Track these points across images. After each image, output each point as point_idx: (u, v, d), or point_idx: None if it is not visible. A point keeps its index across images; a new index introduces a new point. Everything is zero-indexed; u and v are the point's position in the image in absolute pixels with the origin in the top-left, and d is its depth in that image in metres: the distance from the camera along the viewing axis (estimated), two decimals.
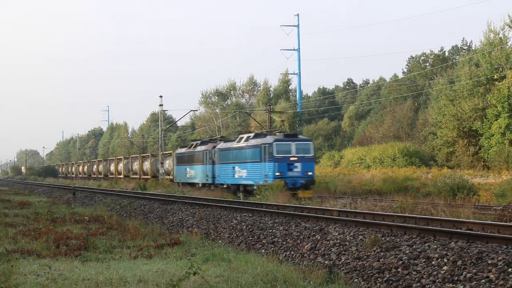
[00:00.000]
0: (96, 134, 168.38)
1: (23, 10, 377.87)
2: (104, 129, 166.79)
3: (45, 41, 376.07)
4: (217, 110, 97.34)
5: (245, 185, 40.69)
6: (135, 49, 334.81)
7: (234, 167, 42.34)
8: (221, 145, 45.91)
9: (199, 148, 50.05)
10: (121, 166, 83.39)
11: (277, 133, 40.56)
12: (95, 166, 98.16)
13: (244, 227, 22.13)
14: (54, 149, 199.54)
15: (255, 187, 37.77)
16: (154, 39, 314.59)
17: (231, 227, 22.73)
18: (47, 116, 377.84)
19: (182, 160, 54.32)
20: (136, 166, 76.96)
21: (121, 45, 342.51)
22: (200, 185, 49.06)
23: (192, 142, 54.72)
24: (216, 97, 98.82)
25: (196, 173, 50.56)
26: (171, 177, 58.96)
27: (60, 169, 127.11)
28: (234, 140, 44.71)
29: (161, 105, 67.48)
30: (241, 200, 33.74)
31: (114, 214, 30.94)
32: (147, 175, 71.24)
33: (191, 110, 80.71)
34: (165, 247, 18.04)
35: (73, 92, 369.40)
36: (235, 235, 21.54)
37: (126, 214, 32.02)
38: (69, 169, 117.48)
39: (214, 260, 15.43)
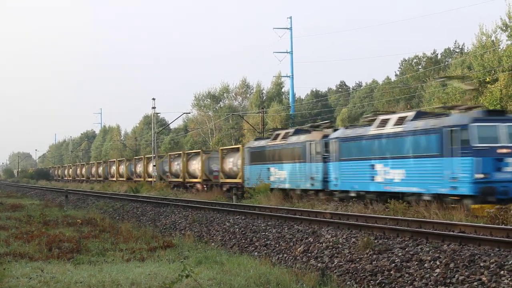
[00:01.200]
0: (89, 137, 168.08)
1: (15, 11, 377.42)
2: (97, 131, 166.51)
3: (37, 44, 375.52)
4: (210, 113, 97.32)
5: (403, 194, 26.87)
6: (127, 51, 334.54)
7: (373, 165, 28.61)
8: (341, 132, 31.85)
9: (295, 139, 35.69)
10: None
11: (472, 110, 26.11)
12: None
13: (237, 229, 22.13)
14: (47, 152, 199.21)
15: (427, 198, 25.31)
16: (146, 41, 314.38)
17: (224, 230, 22.73)
18: (40, 119, 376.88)
19: (261, 157, 38.86)
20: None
21: (114, 47, 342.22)
22: (298, 191, 34.67)
23: (278, 132, 39.05)
24: (209, 100, 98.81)
25: (289, 174, 35.75)
26: (237, 180, 43.48)
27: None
28: (367, 125, 30.50)
29: (154, 107, 67.46)
30: (233, 203, 33.68)
31: (106, 216, 30.91)
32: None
33: (184, 113, 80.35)
34: (158, 250, 18.01)
35: (66, 95, 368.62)
36: (228, 238, 21.54)
37: (118, 217, 31.99)
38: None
39: (206, 263, 15.41)
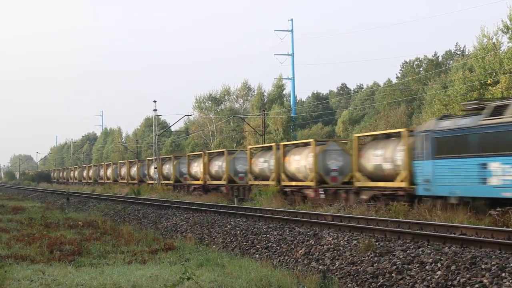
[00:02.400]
0: (90, 139, 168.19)
1: (17, 16, 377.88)
2: (98, 134, 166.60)
3: (38, 46, 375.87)
4: (211, 115, 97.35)
5: None
6: (129, 54, 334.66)
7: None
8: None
9: None
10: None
11: None
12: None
13: (238, 232, 22.13)
14: (48, 154, 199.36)
15: None
16: (147, 44, 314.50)
17: (225, 232, 22.72)
18: (41, 121, 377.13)
19: (463, 146, 23.74)
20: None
21: (115, 50, 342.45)
22: None
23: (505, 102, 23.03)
24: (210, 102, 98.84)
25: None
26: (401, 184, 27.66)
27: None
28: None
29: (155, 110, 67.49)
30: (235, 205, 33.68)
31: (108, 219, 30.92)
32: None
33: (185, 115, 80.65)
34: (159, 252, 18.01)
35: (67, 97, 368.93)
36: (229, 240, 21.53)
37: (120, 219, 32.01)
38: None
39: (208, 265, 15.40)
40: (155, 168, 62.45)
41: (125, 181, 75.83)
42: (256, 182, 40.99)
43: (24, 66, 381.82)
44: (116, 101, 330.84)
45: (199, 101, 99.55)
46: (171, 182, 59.36)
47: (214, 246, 20.88)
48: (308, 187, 34.89)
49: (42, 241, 19.67)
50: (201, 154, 54.01)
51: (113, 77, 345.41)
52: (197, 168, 53.46)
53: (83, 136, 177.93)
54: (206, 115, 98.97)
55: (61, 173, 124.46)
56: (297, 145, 38.62)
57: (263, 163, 41.16)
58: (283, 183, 37.50)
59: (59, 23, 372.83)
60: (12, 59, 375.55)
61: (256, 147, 46.07)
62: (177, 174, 58.76)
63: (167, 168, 62.11)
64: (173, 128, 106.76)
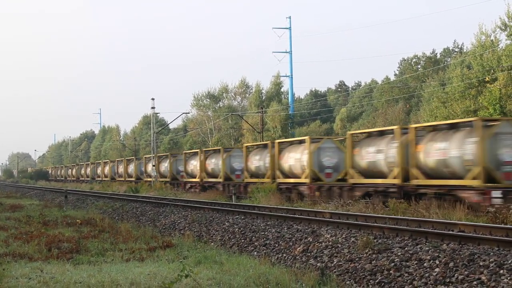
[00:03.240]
0: (88, 137, 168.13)
1: (15, 17, 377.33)
2: (96, 132, 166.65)
3: (37, 45, 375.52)
4: (209, 113, 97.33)
5: None
6: (127, 52, 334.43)
7: None
8: None
9: None
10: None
11: None
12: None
13: (236, 229, 22.12)
14: (46, 152, 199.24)
15: None
16: (145, 42, 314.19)
17: (223, 230, 22.72)
18: (39, 119, 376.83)
19: None
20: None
21: (113, 48, 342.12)
22: None
23: None
24: (208, 100, 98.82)
25: None
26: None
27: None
28: None
29: (153, 107, 67.45)
30: (232, 203, 33.67)
31: (106, 217, 30.90)
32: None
33: (183, 113, 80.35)
34: (157, 249, 18.00)
35: (65, 95, 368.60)
36: (227, 238, 21.53)
37: (118, 217, 31.98)
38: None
39: (206, 263, 15.41)
40: (153, 165, 62.36)
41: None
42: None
43: (22, 65, 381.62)
44: (114, 99, 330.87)
45: (197, 99, 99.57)
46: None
47: (212, 243, 20.88)
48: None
49: (40, 239, 19.66)
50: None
51: (112, 75, 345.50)
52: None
53: (81, 134, 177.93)
54: (204, 113, 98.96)
55: (58, 171, 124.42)
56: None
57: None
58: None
59: (58, 23, 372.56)
60: (11, 58, 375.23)
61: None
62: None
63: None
64: (171, 126, 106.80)
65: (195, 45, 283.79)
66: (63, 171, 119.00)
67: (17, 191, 73.65)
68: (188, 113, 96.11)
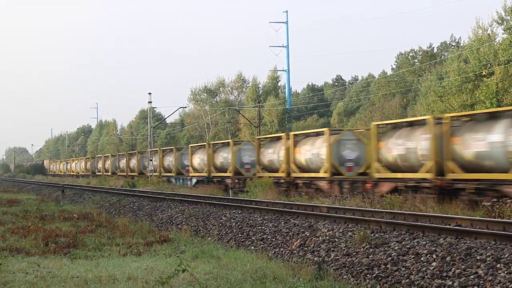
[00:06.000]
0: (85, 132, 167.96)
1: (13, 12, 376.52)
2: (93, 126, 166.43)
3: (34, 40, 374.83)
4: (206, 107, 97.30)
5: None
6: (124, 46, 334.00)
7: None
8: None
9: None
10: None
11: None
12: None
13: (234, 224, 22.12)
14: (43, 147, 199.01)
15: None
16: (142, 36, 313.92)
17: (220, 224, 22.72)
18: (36, 113, 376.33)
19: None
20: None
21: (110, 42, 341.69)
22: None
23: None
24: (205, 94, 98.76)
25: None
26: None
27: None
28: None
29: (150, 102, 67.37)
30: (230, 197, 33.65)
31: (103, 211, 30.91)
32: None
33: (180, 107, 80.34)
34: (154, 244, 18.01)
35: (62, 89, 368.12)
36: (224, 232, 21.53)
37: (115, 212, 31.98)
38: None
39: (203, 257, 15.42)
40: (150, 160, 62.05)
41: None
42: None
43: (19, 60, 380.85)
44: (111, 93, 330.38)
45: (194, 93, 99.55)
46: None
47: (209, 238, 20.88)
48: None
49: (37, 234, 19.66)
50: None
51: (109, 69, 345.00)
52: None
53: (78, 129, 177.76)
54: (201, 107, 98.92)
55: (56, 165, 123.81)
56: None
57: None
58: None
59: (53, 16, 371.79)
60: (7, 53, 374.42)
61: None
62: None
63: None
64: (168, 120, 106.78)
65: (192, 39, 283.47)
66: (61, 165, 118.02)
67: (14, 185, 73.61)
68: (185, 107, 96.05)
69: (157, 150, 65.19)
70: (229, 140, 49.92)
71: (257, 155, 41.55)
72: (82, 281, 12.22)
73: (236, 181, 43.51)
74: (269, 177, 37.30)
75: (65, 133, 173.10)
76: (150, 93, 66.41)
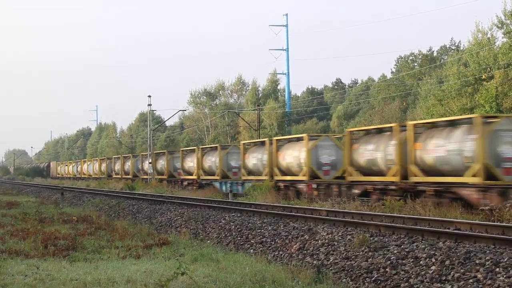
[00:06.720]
0: (85, 134, 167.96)
1: (13, 12, 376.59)
2: (93, 129, 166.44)
3: (34, 41, 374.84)
4: (206, 110, 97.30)
5: None
6: (123, 49, 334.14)
7: None
8: None
9: None
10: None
11: None
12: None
13: (233, 227, 22.11)
14: (43, 149, 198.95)
15: None
16: (142, 39, 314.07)
17: (219, 227, 22.71)
18: (36, 116, 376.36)
19: None
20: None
21: (110, 45, 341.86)
22: None
23: None
24: (205, 97, 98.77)
25: None
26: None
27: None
28: None
29: (149, 104, 67.36)
30: (229, 200, 33.65)
31: (102, 214, 30.86)
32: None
33: (180, 110, 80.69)
34: (154, 247, 18.00)
35: (62, 92, 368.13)
36: (223, 235, 21.52)
37: (114, 214, 31.96)
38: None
39: (202, 260, 15.41)
40: (149, 163, 62.14)
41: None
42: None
43: (18, 61, 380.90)
44: (111, 96, 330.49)
45: (194, 96, 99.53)
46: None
47: (208, 241, 20.87)
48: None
49: (37, 236, 19.65)
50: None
51: (109, 72, 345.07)
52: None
53: (77, 131, 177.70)
54: (201, 110, 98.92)
55: (64, 167, 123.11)
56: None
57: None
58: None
59: (53, 18, 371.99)
60: (6, 54, 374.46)
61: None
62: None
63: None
64: (168, 123, 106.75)
65: (192, 42, 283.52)
66: (59, 168, 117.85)
67: (13, 188, 73.56)
68: (185, 110, 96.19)
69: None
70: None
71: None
72: (81, 284, 12.21)
73: None
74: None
75: (65, 136, 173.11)
76: (149, 96, 66.45)
